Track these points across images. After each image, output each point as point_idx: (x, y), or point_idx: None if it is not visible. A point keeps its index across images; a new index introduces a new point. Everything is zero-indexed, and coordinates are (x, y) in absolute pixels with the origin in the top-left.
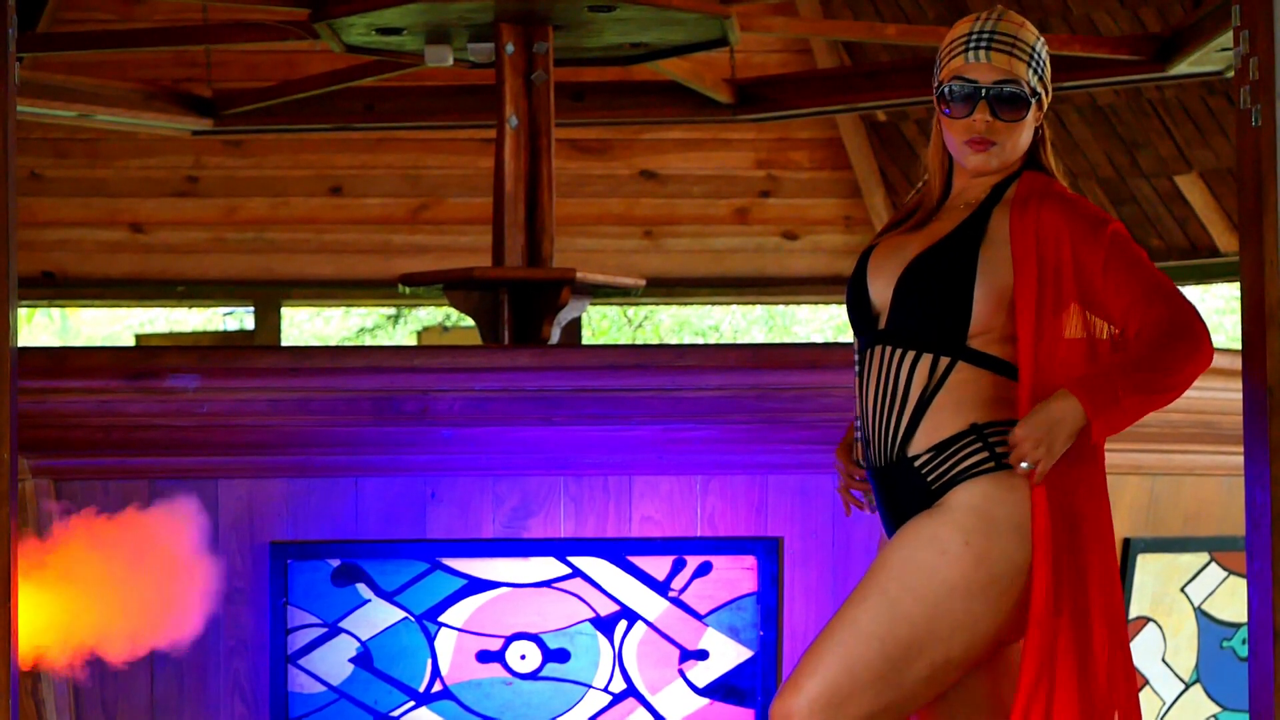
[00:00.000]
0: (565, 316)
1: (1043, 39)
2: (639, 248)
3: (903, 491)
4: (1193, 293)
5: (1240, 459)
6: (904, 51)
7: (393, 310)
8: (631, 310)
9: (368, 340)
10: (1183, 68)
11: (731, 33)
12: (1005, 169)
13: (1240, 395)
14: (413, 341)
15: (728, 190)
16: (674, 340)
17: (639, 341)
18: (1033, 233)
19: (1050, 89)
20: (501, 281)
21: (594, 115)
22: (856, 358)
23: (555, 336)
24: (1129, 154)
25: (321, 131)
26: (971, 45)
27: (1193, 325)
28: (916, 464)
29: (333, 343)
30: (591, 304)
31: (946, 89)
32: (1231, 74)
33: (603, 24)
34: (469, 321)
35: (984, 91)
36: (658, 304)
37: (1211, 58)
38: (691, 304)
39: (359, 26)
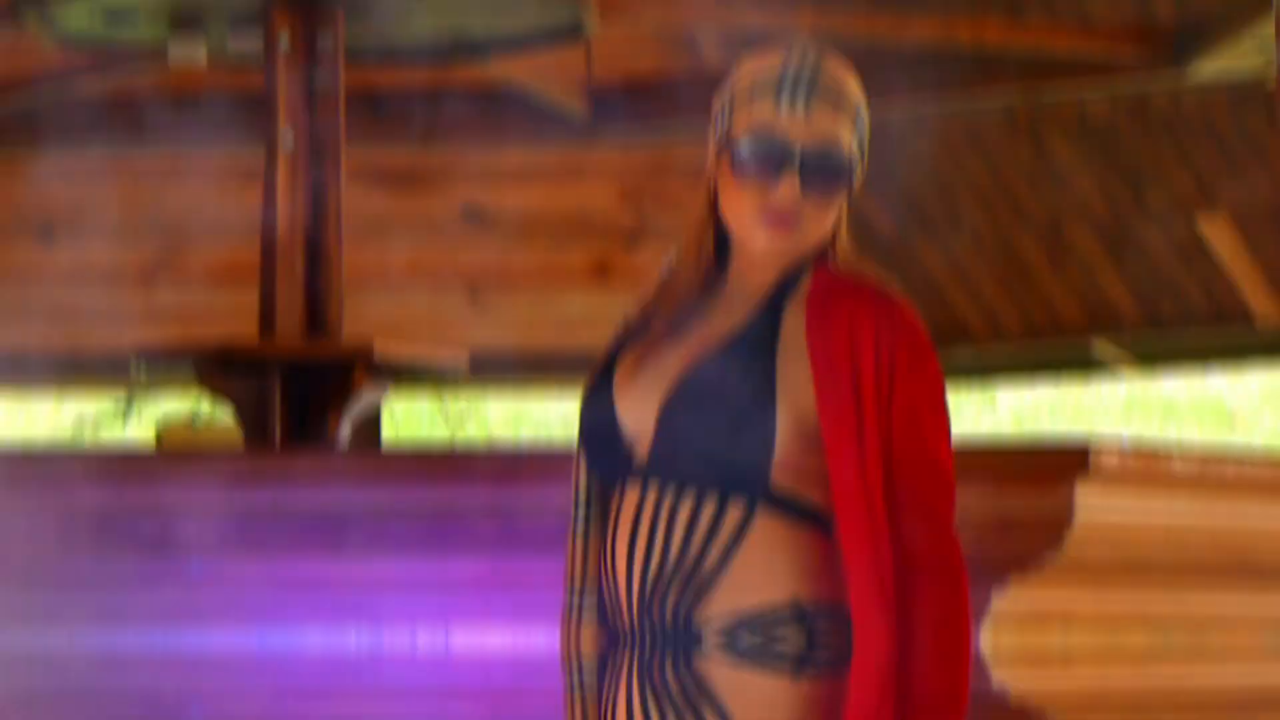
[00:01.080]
0: (359, 408)
1: (865, 105)
2: (461, 314)
3: (669, 671)
4: (1218, 378)
5: None
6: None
7: (122, 398)
8: (450, 399)
9: (88, 439)
10: (1206, 70)
11: (588, 20)
12: (804, 251)
13: None
14: (150, 441)
15: (582, 236)
16: (506, 440)
17: (459, 443)
18: (843, 345)
19: (866, 157)
20: (273, 360)
21: (400, 133)
22: (585, 521)
23: (345, 436)
24: (1132, 188)
25: (28, 155)
26: (786, 91)
27: (960, 579)
28: (707, 637)
29: (40, 442)
30: (395, 391)
31: (745, 145)
32: (1272, 78)
33: (411, 7)
34: (227, 414)
35: (796, 155)
36: (485, 391)
37: (1244, 56)
38: (531, 391)
39: (80, 12)
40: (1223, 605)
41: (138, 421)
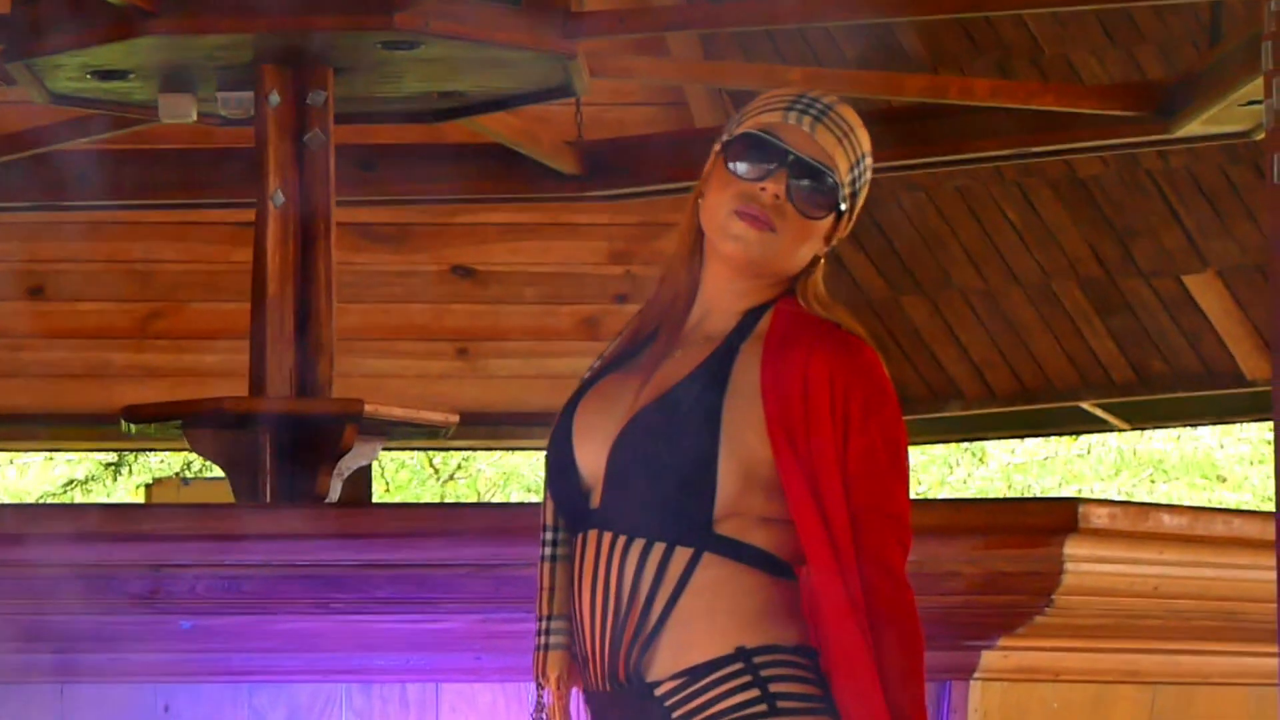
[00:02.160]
0: (349, 465)
1: (871, 158)
2: (450, 371)
3: None
4: (1209, 434)
5: (1274, 661)
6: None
7: (113, 456)
8: (440, 457)
9: (78, 496)
10: (1195, 127)
11: (578, 79)
12: (759, 284)
13: (1274, 576)
14: (140, 499)
15: (571, 294)
16: (497, 498)
17: (450, 499)
18: (798, 385)
19: (855, 218)
20: (262, 417)
21: (390, 191)
22: (552, 546)
23: (336, 493)
24: (1121, 245)
25: (17, 211)
26: (799, 108)
27: (918, 634)
28: (658, 694)
29: (30, 499)
30: (385, 448)
31: (743, 140)
32: (1261, 135)
33: (402, 66)
34: (217, 472)
35: (790, 158)
36: (476, 449)
37: (1233, 113)
38: (522, 449)
39: (70, 69)
40: (1211, 663)
41: (128, 479)
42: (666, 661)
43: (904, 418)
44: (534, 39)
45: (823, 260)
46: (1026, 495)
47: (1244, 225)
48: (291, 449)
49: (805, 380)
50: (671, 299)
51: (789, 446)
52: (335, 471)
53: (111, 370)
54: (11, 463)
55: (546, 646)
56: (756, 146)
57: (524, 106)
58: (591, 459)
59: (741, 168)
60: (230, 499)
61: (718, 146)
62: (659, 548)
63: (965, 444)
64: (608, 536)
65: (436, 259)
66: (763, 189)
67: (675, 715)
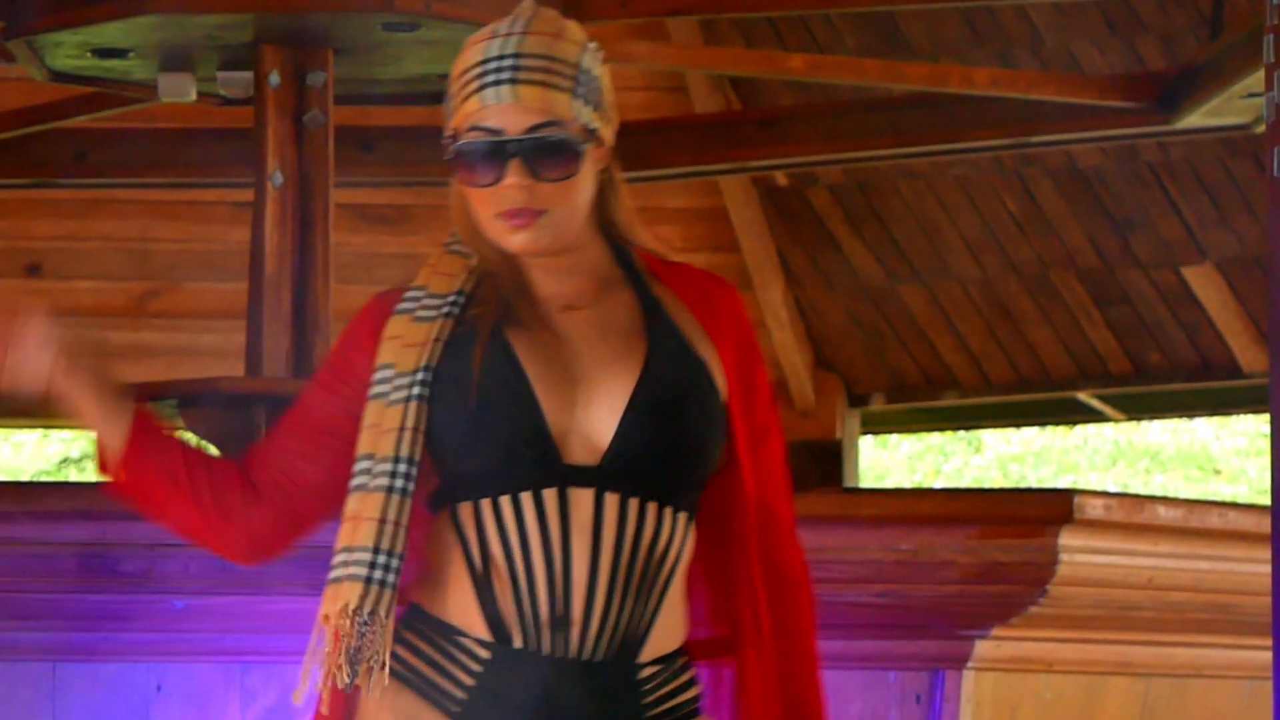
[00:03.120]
0: None
1: (591, 44)
2: None
3: (600, 708)
4: (1205, 426)
5: (1268, 654)
6: (813, 91)
7: None
8: None
9: (73, 475)
10: (1195, 119)
11: None
12: (570, 240)
13: (1269, 569)
14: None
15: None
16: None
17: None
18: (731, 334)
19: (613, 112)
20: (258, 397)
21: (388, 173)
22: (404, 479)
23: None
24: (1120, 236)
25: (13, 189)
26: (490, 81)
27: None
28: (641, 676)
29: (24, 477)
30: None
31: (462, 150)
32: (1261, 128)
33: (402, 48)
34: (212, 450)
35: (510, 147)
36: None
37: (1234, 106)
38: None
39: (69, 46)
40: (1205, 656)
41: None
42: (656, 643)
43: (901, 406)
44: None
45: (613, 175)
46: (1022, 485)
47: (1243, 218)
48: None
49: (736, 323)
50: (490, 260)
51: (735, 389)
52: None
53: (107, 349)
54: (7, 440)
55: (373, 580)
56: (472, 154)
57: None
58: (569, 413)
59: (475, 179)
60: None
61: (448, 156)
62: (669, 513)
63: (961, 433)
64: (613, 499)
65: (434, 241)
66: (504, 189)
67: (645, 700)
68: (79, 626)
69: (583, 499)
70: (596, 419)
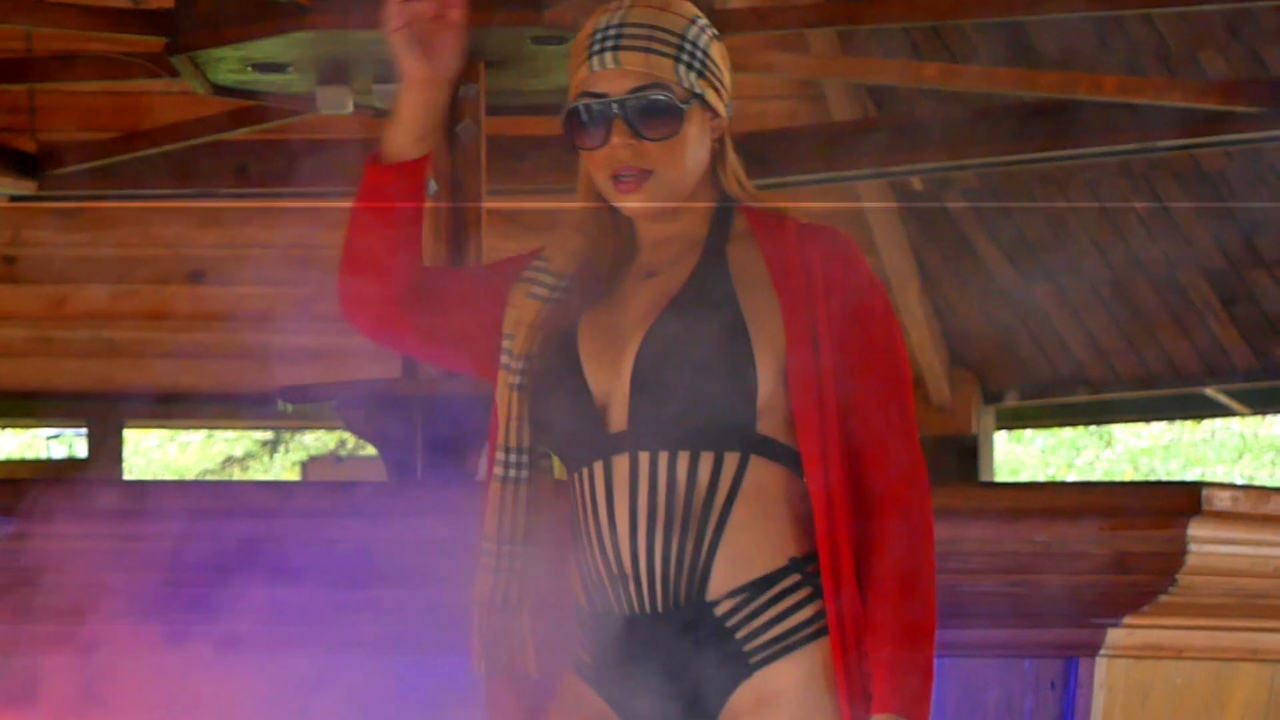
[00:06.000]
0: None
1: (702, 19)
2: None
3: (687, 653)
4: None
5: None
6: (947, 99)
7: (270, 435)
8: None
9: (237, 474)
10: None
11: None
12: (680, 200)
13: None
14: (296, 476)
15: None
16: None
17: None
18: (802, 277)
19: (727, 85)
20: (415, 398)
21: (540, 181)
22: (517, 469)
23: (483, 471)
24: (1244, 236)
25: (179, 200)
26: (596, 48)
27: (926, 509)
28: (719, 613)
29: (190, 476)
30: None
31: (571, 115)
32: None
33: (551, 60)
34: (370, 450)
35: (614, 108)
36: None
37: None
38: None
39: (230, 61)
40: None
41: (285, 456)
42: (725, 577)
43: (1034, 402)
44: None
45: (726, 139)
46: (1152, 479)
47: None
48: (443, 428)
49: (807, 266)
50: (599, 231)
51: (804, 335)
52: (484, 450)
53: (269, 352)
54: (173, 440)
55: (500, 571)
56: (579, 117)
57: None
58: (606, 385)
59: (586, 142)
60: (384, 477)
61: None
62: (707, 457)
63: (1092, 428)
64: (644, 457)
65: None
66: (612, 150)
67: (741, 637)
68: (244, 620)
69: (621, 464)
70: (621, 386)
